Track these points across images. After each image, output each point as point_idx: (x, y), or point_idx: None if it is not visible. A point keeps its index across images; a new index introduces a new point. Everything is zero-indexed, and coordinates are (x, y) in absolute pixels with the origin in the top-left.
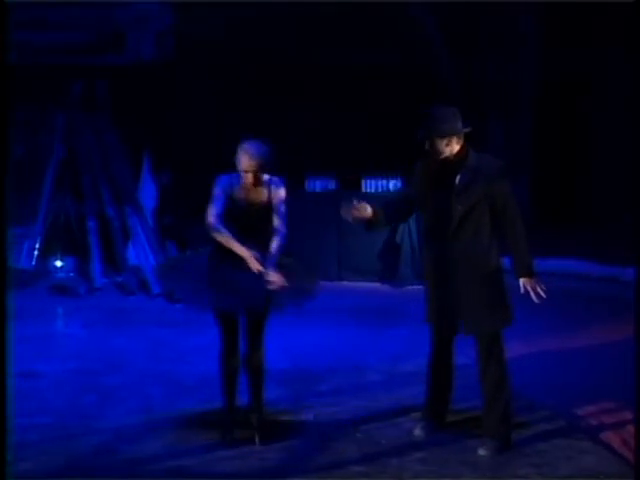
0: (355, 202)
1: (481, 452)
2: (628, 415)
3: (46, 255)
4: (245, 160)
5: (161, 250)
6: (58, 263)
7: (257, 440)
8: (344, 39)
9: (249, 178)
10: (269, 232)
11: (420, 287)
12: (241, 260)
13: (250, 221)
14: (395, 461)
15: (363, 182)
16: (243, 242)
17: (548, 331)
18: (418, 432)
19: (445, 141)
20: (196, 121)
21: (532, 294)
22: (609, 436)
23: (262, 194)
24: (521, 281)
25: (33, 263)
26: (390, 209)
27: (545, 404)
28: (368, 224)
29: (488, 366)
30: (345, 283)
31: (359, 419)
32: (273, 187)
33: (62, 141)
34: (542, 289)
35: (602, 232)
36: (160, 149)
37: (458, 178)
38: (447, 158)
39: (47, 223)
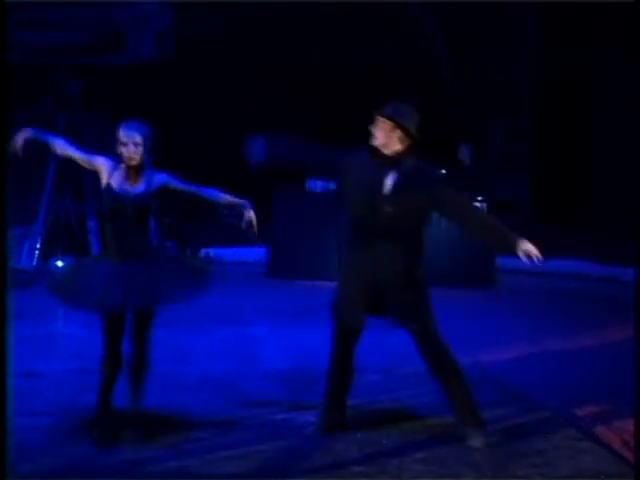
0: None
1: (475, 444)
2: (628, 415)
3: (47, 255)
4: (126, 149)
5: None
6: (59, 263)
7: (130, 437)
8: (344, 39)
9: (130, 168)
10: (146, 232)
11: None
12: (126, 256)
13: (126, 219)
14: (395, 461)
15: None
16: (118, 243)
17: (548, 331)
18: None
19: (389, 129)
20: (196, 121)
21: (534, 255)
22: (609, 436)
23: (140, 186)
24: (520, 252)
25: (34, 263)
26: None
27: (545, 404)
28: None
29: (433, 362)
30: None
31: (359, 419)
32: (160, 180)
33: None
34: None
35: (602, 232)
36: (160, 149)
37: (390, 178)
38: (384, 153)
39: (48, 223)
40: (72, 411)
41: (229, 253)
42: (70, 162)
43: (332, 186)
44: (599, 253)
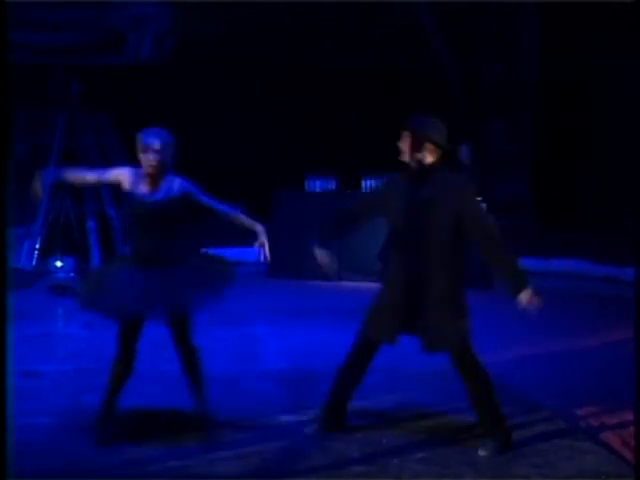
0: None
1: (481, 452)
2: (628, 415)
3: (46, 255)
4: (145, 155)
5: None
6: (58, 263)
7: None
8: (344, 40)
9: (150, 176)
10: (171, 234)
11: None
12: (147, 263)
13: (145, 225)
14: (395, 461)
15: (363, 182)
16: (145, 246)
17: (548, 332)
18: (310, 431)
19: (416, 143)
20: (195, 122)
21: (531, 306)
22: (609, 436)
23: (159, 192)
24: (518, 299)
25: (33, 263)
26: (345, 225)
27: (545, 404)
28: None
29: (467, 378)
30: (345, 283)
31: (360, 419)
32: (181, 187)
33: (62, 141)
34: (538, 301)
35: (602, 231)
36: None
37: (424, 192)
38: (416, 168)
39: (47, 223)
40: (71, 411)
41: (228, 253)
42: (70, 162)
43: (331, 186)
44: (599, 253)
